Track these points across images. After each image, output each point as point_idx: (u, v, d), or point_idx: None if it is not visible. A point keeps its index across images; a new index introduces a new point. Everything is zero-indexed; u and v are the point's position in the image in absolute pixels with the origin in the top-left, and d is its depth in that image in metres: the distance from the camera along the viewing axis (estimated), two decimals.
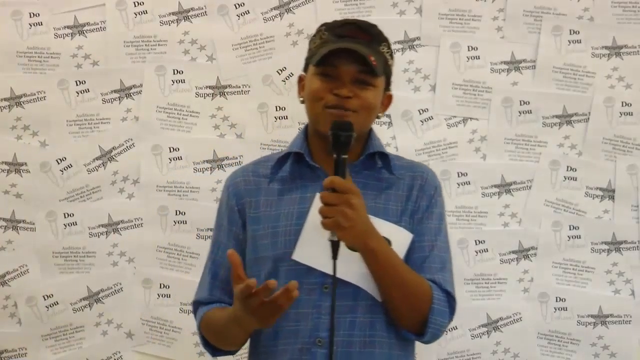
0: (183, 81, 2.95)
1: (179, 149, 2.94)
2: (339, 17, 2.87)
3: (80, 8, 2.95)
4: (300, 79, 2.10)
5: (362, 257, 1.92)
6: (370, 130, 2.11)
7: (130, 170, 2.94)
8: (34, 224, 2.93)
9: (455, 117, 2.93)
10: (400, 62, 2.91)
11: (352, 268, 1.93)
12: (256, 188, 2.08)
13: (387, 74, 2.07)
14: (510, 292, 2.89)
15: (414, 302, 1.95)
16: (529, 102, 2.91)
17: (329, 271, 1.92)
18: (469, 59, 2.92)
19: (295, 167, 2.07)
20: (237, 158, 2.93)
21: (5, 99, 2.94)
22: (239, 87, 2.95)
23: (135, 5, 2.95)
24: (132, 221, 2.93)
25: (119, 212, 2.93)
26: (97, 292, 2.93)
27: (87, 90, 2.95)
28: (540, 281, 2.88)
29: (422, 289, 1.95)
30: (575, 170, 2.90)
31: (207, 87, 2.95)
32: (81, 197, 2.94)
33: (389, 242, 1.97)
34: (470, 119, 2.93)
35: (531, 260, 2.89)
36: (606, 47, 2.91)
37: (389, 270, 1.93)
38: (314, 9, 2.93)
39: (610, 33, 2.91)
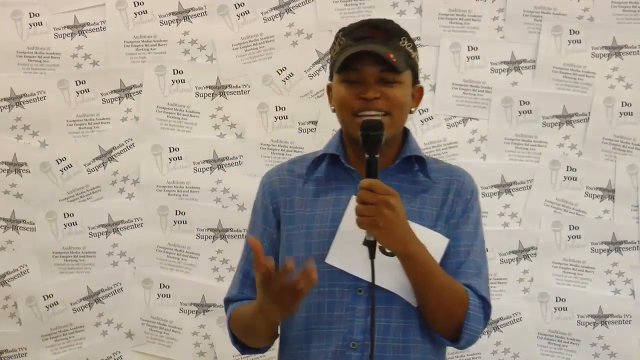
0: (183, 81, 2.95)
1: (179, 149, 2.94)
2: (339, 17, 2.88)
3: (80, 8, 2.95)
4: (329, 89, 2.08)
5: (400, 261, 1.90)
6: (407, 134, 2.08)
7: (130, 170, 2.94)
8: (34, 224, 2.93)
9: (455, 117, 2.93)
10: None
11: (385, 273, 1.91)
12: (291, 187, 2.07)
13: (412, 66, 2.03)
14: (510, 292, 2.89)
15: (450, 307, 1.93)
16: (529, 102, 2.91)
17: (362, 275, 1.91)
18: (469, 59, 2.92)
19: (331, 168, 2.06)
20: (237, 158, 2.93)
21: (5, 99, 2.94)
22: (239, 87, 2.95)
23: (135, 5, 2.95)
24: (132, 221, 2.93)
25: (119, 212, 2.93)
26: (97, 292, 2.93)
27: (87, 90, 2.95)
28: (540, 281, 2.88)
29: (459, 295, 1.94)
30: (575, 170, 2.90)
31: (207, 87, 2.95)
32: (81, 197, 2.94)
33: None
34: (470, 119, 2.93)
35: (531, 260, 2.89)
36: (606, 47, 2.91)
37: (426, 275, 1.91)
38: (314, 9, 2.93)
39: (610, 33, 2.91)
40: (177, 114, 2.95)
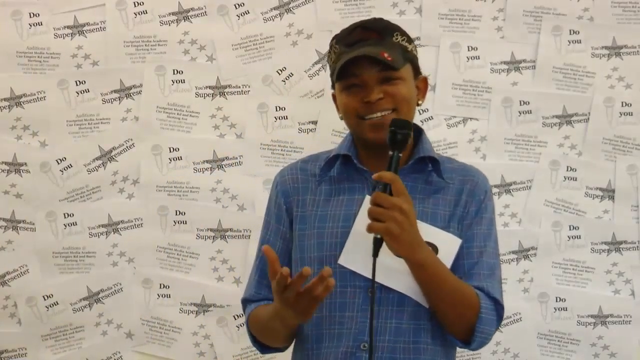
0: (183, 81, 2.95)
1: (178, 149, 2.94)
2: (339, 18, 2.88)
3: (80, 8, 2.95)
4: (334, 97, 2.08)
5: (409, 267, 1.90)
6: (421, 134, 2.08)
7: (130, 170, 2.94)
8: (34, 224, 2.93)
9: (455, 117, 2.93)
10: None
11: (397, 274, 1.91)
12: (304, 187, 2.07)
13: (411, 60, 2.03)
14: (510, 292, 2.88)
15: (461, 311, 1.93)
16: (529, 102, 2.91)
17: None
18: (468, 59, 2.92)
19: (343, 169, 2.06)
20: (237, 158, 2.92)
21: (5, 99, 2.94)
22: (239, 87, 2.95)
23: (135, 5, 2.95)
24: (132, 221, 2.93)
25: (119, 212, 2.93)
26: (97, 292, 2.93)
27: (87, 90, 2.95)
28: (540, 281, 2.88)
29: (470, 299, 1.93)
30: (575, 170, 2.90)
31: (207, 87, 2.95)
32: (81, 197, 2.94)
33: (435, 248, 1.94)
34: (470, 119, 2.93)
35: (531, 261, 2.89)
36: (606, 47, 2.91)
37: (436, 281, 1.91)
38: (314, 9, 2.93)
39: (610, 33, 2.91)
40: (177, 114, 2.95)
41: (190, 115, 2.95)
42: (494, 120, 2.92)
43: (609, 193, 2.90)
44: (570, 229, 2.89)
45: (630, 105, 2.91)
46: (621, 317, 2.87)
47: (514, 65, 2.92)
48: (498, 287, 2.01)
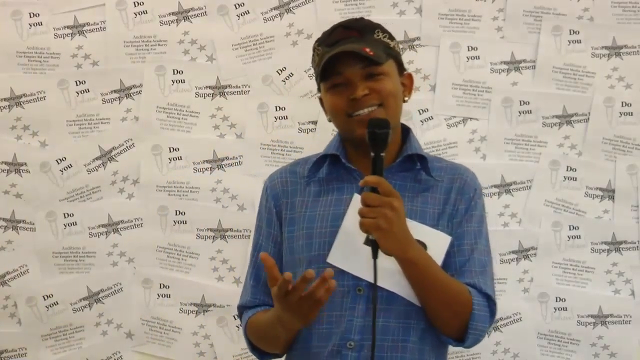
0: (183, 81, 2.95)
1: (178, 149, 2.94)
2: (339, 18, 2.88)
3: (80, 8, 2.95)
4: (321, 101, 2.08)
5: (400, 265, 1.90)
6: (409, 132, 2.09)
7: (130, 170, 2.94)
8: (34, 224, 2.93)
9: (455, 117, 2.93)
10: None
11: (386, 273, 1.90)
12: (293, 189, 2.08)
13: (394, 56, 2.04)
14: (510, 292, 2.89)
15: (453, 309, 1.93)
16: (528, 102, 2.91)
17: (363, 275, 1.91)
18: (468, 59, 2.92)
19: (332, 168, 2.06)
20: (237, 158, 2.93)
21: (5, 99, 2.94)
22: (239, 87, 2.95)
23: (135, 5, 2.95)
24: (132, 221, 2.93)
25: (118, 212, 2.93)
26: (97, 292, 2.93)
27: (87, 90, 2.95)
28: (540, 281, 2.88)
29: (462, 296, 1.93)
30: (575, 170, 2.90)
31: (207, 87, 2.95)
32: (81, 197, 2.94)
33: (424, 246, 1.94)
34: (470, 119, 2.93)
35: (531, 261, 2.89)
36: (606, 47, 2.91)
37: (427, 278, 1.91)
38: (314, 9, 2.93)
39: (610, 33, 2.91)
40: (177, 114, 2.95)
41: (190, 115, 2.95)
42: (494, 120, 2.92)
43: (609, 193, 2.90)
44: (570, 229, 2.89)
45: (630, 105, 2.91)
46: (621, 317, 2.87)
47: (514, 65, 2.92)
48: (490, 283, 2.01)
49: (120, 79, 2.94)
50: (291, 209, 2.06)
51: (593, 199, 2.90)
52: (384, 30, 2.05)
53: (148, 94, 2.94)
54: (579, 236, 2.89)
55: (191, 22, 2.95)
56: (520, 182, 2.91)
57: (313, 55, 2.07)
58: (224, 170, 2.93)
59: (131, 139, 2.94)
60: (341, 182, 2.03)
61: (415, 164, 2.04)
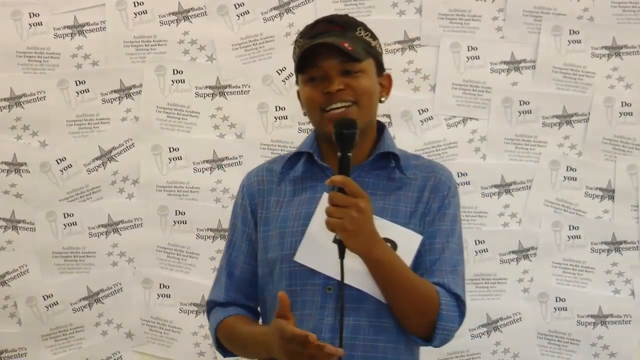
0: (183, 81, 2.95)
1: (178, 149, 2.94)
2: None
3: (80, 8, 2.95)
4: (299, 94, 2.08)
5: (366, 265, 1.89)
6: (384, 130, 2.08)
7: (130, 170, 2.94)
8: (34, 224, 2.93)
9: (455, 117, 2.93)
10: (400, 62, 2.92)
11: (355, 272, 1.90)
12: (269, 188, 2.07)
13: (375, 55, 2.02)
14: (510, 292, 2.89)
15: (420, 308, 1.92)
16: (528, 102, 2.91)
17: (332, 274, 1.90)
18: (468, 59, 2.92)
19: (308, 167, 2.05)
20: (237, 158, 2.92)
21: (5, 99, 2.94)
22: (239, 87, 2.95)
23: (135, 5, 2.95)
24: (132, 221, 2.93)
25: (118, 212, 2.93)
26: (97, 292, 2.93)
27: (87, 90, 2.95)
28: (540, 281, 2.88)
29: (429, 296, 1.92)
30: (575, 170, 2.90)
31: (207, 87, 2.95)
32: (81, 197, 2.94)
33: (394, 245, 1.93)
34: (470, 119, 2.93)
35: (531, 260, 2.89)
36: (606, 47, 2.91)
37: (393, 278, 1.90)
38: (314, 9, 2.94)
39: (610, 33, 2.91)
40: (177, 114, 2.95)
41: (190, 115, 2.95)
42: (494, 120, 2.92)
43: (609, 193, 2.90)
44: (570, 229, 2.89)
45: (630, 105, 2.91)
46: (621, 317, 2.87)
47: (514, 65, 2.92)
48: (461, 283, 1.99)
49: (120, 79, 2.94)
50: (266, 208, 2.05)
51: (593, 199, 2.90)
52: (367, 29, 2.05)
53: (148, 94, 2.94)
54: (579, 236, 2.89)
55: (191, 22, 2.95)
56: (520, 182, 2.91)
57: (294, 47, 2.06)
58: (224, 170, 2.92)
59: (131, 139, 2.94)
60: (315, 180, 2.03)
61: (390, 162, 2.04)
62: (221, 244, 2.90)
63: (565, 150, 2.91)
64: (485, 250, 2.89)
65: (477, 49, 2.92)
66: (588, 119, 2.90)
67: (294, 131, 2.93)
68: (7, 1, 2.95)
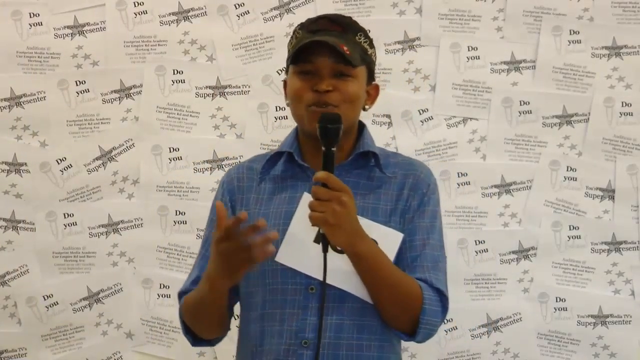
0: (183, 81, 2.95)
1: (179, 149, 2.94)
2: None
3: (80, 8, 2.95)
4: (285, 83, 2.08)
5: (350, 259, 1.90)
6: (363, 129, 2.08)
7: (130, 171, 2.94)
8: (34, 224, 2.93)
9: (455, 117, 2.93)
10: (400, 62, 2.92)
11: (337, 271, 1.91)
12: (249, 185, 2.08)
13: (369, 63, 2.03)
14: (510, 292, 2.89)
15: (404, 303, 1.93)
16: (529, 102, 2.91)
17: (313, 273, 1.91)
18: (469, 59, 2.92)
19: (288, 166, 2.06)
20: (237, 158, 2.92)
21: (5, 99, 2.94)
22: (239, 87, 2.95)
23: (135, 5, 2.95)
24: (132, 221, 2.93)
25: (119, 212, 2.93)
26: (97, 292, 2.93)
27: (87, 91, 2.95)
28: (540, 281, 2.88)
29: (412, 291, 1.93)
30: (575, 170, 2.90)
31: (207, 87, 2.95)
32: (81, 197, 2.94)
33: (376, 244, 1.94)
34: (470, 119, 2.93)
35: (531, 261, 2.89)
36: (606, 47, 2.91)
37: (377, 273, 1.91)
38: (314, 9, 2.93)
39: (610, 33, 2.91)
40: (177, 114, 2.95)
41: (190, 115, 2.95)
42: (494, 120, 2.92)
43: (609, 193, 2.90)
44: (570, 229, 2.89)
45: (630, 105, 2.91)
46: (621, 317, 2.87)
47: (514, 65, 2.92)
48: (442, 278, 2.01)
49: (121, 79, 2.94)
50: (246, 205, 2.06)
51: (593, 199, 2.90)
52: (367, 36, 2.05)
53: (148, 94, 2.94)
54: (579, 236, 2.89)
55: (191, 22, 2.95)
56: (520, 182, 2.91)
57: (291, 37, 2.06)
58: (224, 170, 2.91)
59: (131, 139, 2.94)
60: (295, 180, 2.04)
61: (370, 161, 2.04)
62: None
63: (565, 150, 2.91)
64: (486, 251, 2.89)
65: (477, 49, 2.92)
66: (588, 119, 2.90)
67: None
68: (7, 1, 2.95)
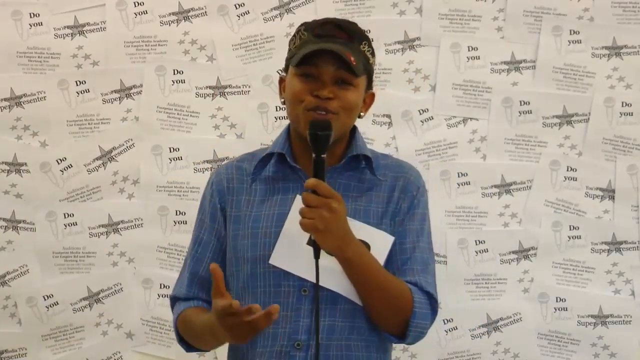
0: (183, 81, 2.95)
1: (179, 149, 2.94)
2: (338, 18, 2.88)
3: (80, 8, 2.95)
4: (281, 80, 2.08)
5: (340, 265, 1.91)
6: (355, 131, 2.09)
7: (130, 171, 2.94)
8: (34, 224, 2.93)
9: (455, 117, 2.93)
10: (400, 62, 2.92)
11: (329, 273, 1.91)
12: (239, 186, 2.07)
13: (369, 72, 2.04)
14: (510, 292, 2.89)
15: (394, 307, 1.94)
16: (529, 102, 2.91)
17: (306, 276, 1.92)
18: (469, 59, 2.92)
19: (279, 167, 2.06)
20: None
21: (5, 99, 2.94)
22: (239, 87, 2.95)
23: (135, 5, 2.95)
24: (132, 221, 2.93)
25: (119, 212, 2.93)
26: (97, 292, 2.93)
27: (87, 91, 2.95)
28: (540, 281, 2.88)
29: (403, 294, 1.94)
30: (575, 170, 2.90)
31: (207, 87, 2.95)
32: (81, 197, 2.94)
33: (367, 246, 1.95)
34: (470, 119, 2.93)
35: (531, 261, 2.89)
36: (606, 47, 2.91)
37: (367, 277, 1.92)
38: (314, 9, 2.94)
39: (610, 33, 2.91)
40: (177, 114, 2.95)
41: (191, 115, 2.95)
42: (494, 120, 2.92)
43: (609, 193, 2.90)
44: (570, 229, 2.89)
45: (630, 105, 2.91)
46: (621, 317, 2.87)
47: (514, 65, 2.92)
48: (432, 281, 2.02)
49: (121, 79, 2.94)
50: (236, 207, 2.06)
51: (593, 199, 2.90)
52: (370, 45, 2.06)
53: (148, 94, 2.94)
54: (579, 236, 2.89)
55: (191, 22, 2.95)
56: (520, 182, 2.91)
57: (295, 36, 2.05)
58: None
59: (131, 139, 2.94)
60: (287, 181, 2.04)
61: (361, 163, 2.05)
62: None
63: (565, 150, 2.91)
64: (486, 251, 2.89)
65: (477, 49, 2.92)
66: (588, 119, 2.91)
67: None
68: (7, 1, 2.95)
